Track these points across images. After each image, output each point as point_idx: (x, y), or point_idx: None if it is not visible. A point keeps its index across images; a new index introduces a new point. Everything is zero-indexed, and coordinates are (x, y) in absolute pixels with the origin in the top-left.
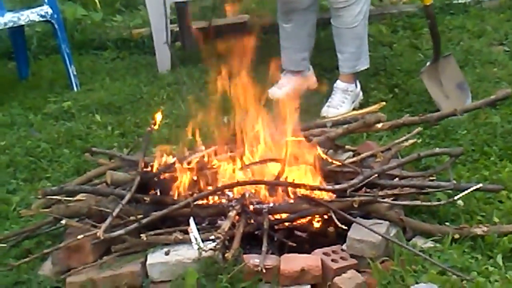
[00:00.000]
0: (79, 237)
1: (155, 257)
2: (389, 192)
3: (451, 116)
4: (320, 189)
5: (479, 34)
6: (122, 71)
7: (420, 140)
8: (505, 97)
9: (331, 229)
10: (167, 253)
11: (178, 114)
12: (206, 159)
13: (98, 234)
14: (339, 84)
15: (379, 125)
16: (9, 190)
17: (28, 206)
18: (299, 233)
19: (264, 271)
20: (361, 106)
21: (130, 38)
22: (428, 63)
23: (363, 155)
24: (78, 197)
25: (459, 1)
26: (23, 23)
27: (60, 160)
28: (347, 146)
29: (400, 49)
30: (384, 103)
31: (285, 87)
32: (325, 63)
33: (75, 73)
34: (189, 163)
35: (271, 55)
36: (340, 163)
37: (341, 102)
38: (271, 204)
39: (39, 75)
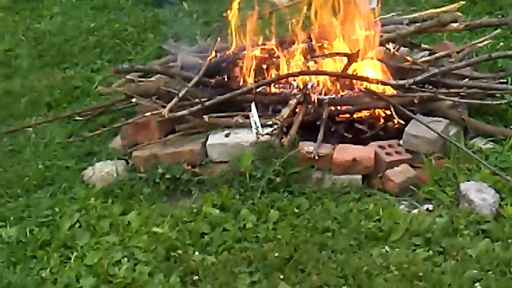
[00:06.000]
0: (146, 114)
1: (215, 139)
2: (452, 91)
3: None
4: (382, 83)
5: None
6: None
7: (503, 43)
8: None
9: (391, 124)
10: (227, 135)
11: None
12: (276, 49)
13: (163, 113)
14: None
15: (455, 25)
16: (94, 69)
17: (109, 85)
18: (359, 126)
19: (317, 158)
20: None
21: None
22: None
23: (437, 55)
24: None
25: None
26: None
27: (144, 44)
28: (423, 45)
29: None
30: (463, 2)
31: None
32: None
33: None
34: (257, 52)
35: None
36: (409, 60)
37: None
38: (333, 96)
39: None
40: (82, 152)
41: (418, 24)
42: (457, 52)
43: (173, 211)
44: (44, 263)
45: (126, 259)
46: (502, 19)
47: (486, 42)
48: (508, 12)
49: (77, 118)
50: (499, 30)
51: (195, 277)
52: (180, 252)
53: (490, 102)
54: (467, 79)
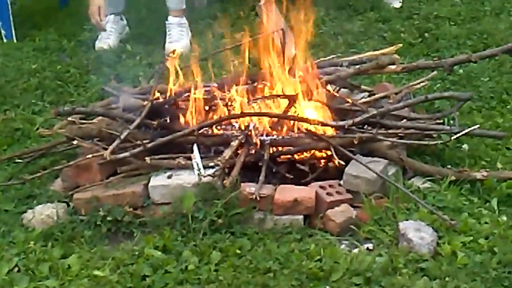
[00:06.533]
0: (87, 156)
1: (157, 180)
2: (391, 131)
3: (466, 62)
4: (322, 124)
5: None
6: (160, 4)
7: (440, 85)
8: None
9: (331, 164)
10: (169, 177)
11: (205, 48)
12: (217, 91)
13: (105, 155)
14: (171, 20)
15: (393, 67)
16: (35, 111)
17: (50, 127)
18: (300, 167)
19: (258, 199)
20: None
21: None
22: None
23: (376, 96)
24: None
25: None
26: None
27: (86, 86)
28: (363, 87)
29: None
30: (400, 44)
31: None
32: None
33: None
34: (199, 94)
35: None
36: (349, 102)
37: (181, 36)
38: (274, 137)
39: (78, 4)
40: (22, 195)
41: (357, 66)
42: (396, 94)
43: (114, 253)
44: None
45: None
46: (438, 61)
47: (423, 83)
48: (444, 54)
49: (17, 160)
50: (435, 72)
51: None
52: None
53: (427, 142)
54: (405, 120)
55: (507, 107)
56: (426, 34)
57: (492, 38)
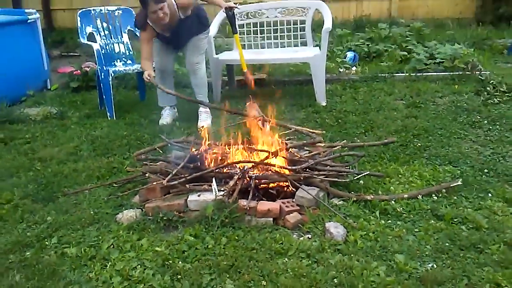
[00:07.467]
0: (153, 183)
1: (192, 197)
2: (321, 173)
3: (361, 146)
4: (284, 168)
5: (390, 93)
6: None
7: (346, 149)
8: (390, 142)
9: (288, 190)
10: (199, 195)
11: (219, 125)
12: (227, 148)
13: (163, 182)
14: (201, 109)
15: (321, 144)
16: (124, 157)
17: (133, 167)
18: (272, 191)
19: (248, 209)
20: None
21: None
22: None
23: (313, 153)
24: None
25: (381, 74)
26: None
27: (154, 143)
28: (305, 148)
29: (346, 99)
30: (324, 131)
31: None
32: None
33: None
34: (216, 149)
35: (280, 97)
36: (299, 156)
37: (206, 118)
38: (258, 174)
39: (151, 99)
40: (116, 204)
41: (303, 141)
42: (323, 152)
43: (167, 238)
44: (92, 268)
45: (139, 266)
46: (346, 144)
47: (338, 147)
48: (349, 132)
49: (114, 184)
50: (342, 143)
51: (179, 276)
52: (170, 262)
53: (341, 180)
54: (329, 166)
55: (384, 161)
56: (339, 120)
57: (375, 124)
